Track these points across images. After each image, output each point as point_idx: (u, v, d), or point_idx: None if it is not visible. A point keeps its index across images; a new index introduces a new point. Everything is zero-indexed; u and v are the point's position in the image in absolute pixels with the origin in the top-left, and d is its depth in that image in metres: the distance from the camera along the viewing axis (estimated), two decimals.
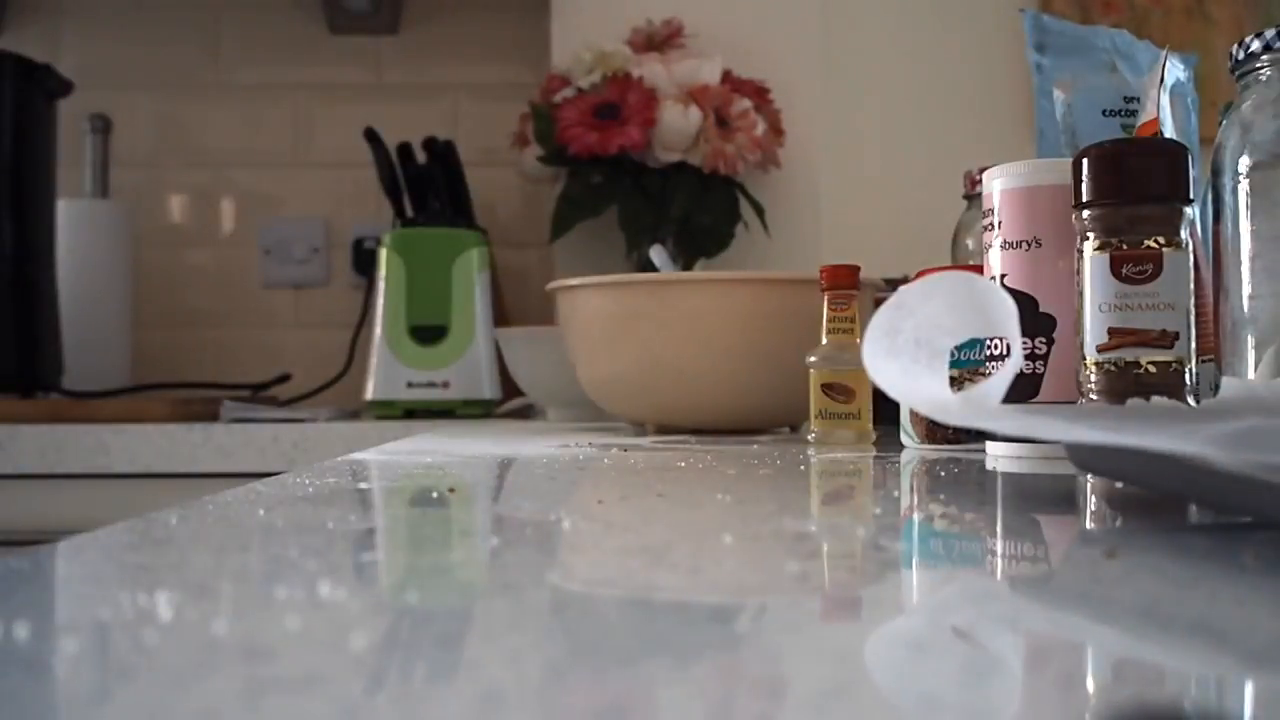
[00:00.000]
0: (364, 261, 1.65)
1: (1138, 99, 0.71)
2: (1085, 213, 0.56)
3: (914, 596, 0.27)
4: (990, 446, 0.60)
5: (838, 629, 0.24)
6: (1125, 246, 0.54)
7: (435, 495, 0.48)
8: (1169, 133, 0.66)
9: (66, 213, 1.46)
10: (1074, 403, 0.58)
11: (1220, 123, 0.62)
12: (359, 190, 1.68)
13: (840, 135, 1.63)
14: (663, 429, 0.88)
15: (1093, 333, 0.55)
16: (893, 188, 1.62)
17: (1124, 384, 0.54)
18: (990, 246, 0.64)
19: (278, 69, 1.72)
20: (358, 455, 0.68)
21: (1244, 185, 0.59)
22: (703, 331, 0.83)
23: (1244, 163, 0.59)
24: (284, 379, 1.52)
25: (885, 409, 0.80)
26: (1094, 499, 0.45)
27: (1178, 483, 0.37)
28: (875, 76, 1.73)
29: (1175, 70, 0.70)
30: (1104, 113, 0.71)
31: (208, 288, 1.70)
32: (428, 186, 1.43)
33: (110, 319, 1.53)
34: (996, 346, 0.63)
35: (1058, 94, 0.73)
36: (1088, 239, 0.55)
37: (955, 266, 0.90)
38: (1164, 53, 0.69)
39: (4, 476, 1.11)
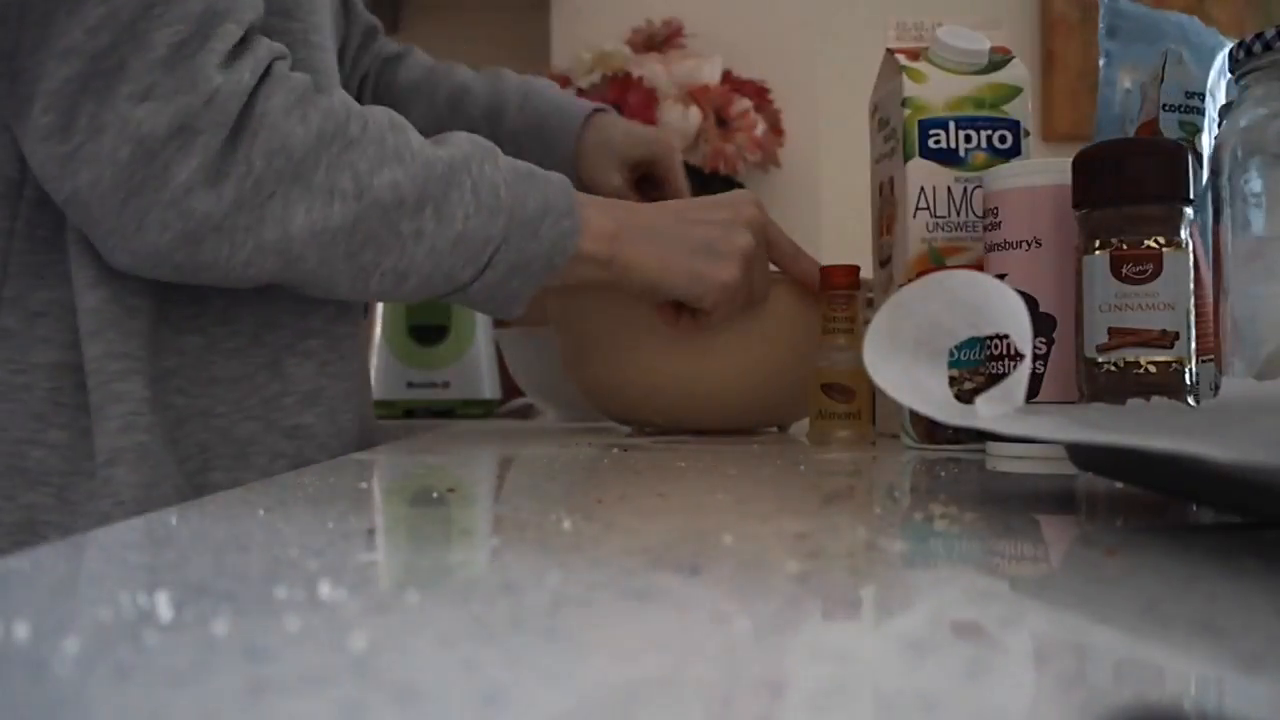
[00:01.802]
0: None
1: (1200, 95, 0.69)
2: (1085, 213, 0.56)
3: (914, 596, 0.27)
4: (990, 446, 0.60)
5: (838, 629, 0.24)
6: (1125, 246, 0.54)
7: (435, 495, 0.48)
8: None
9: None
10: (1074, 403, 0.58)
11: (1220, 123, 0.62)
12: None
13: (840, 135, 1.63)
14: (659, 430, 0.87)
15: (1093, 333, 0.55)
16: None
17: (1124, 384, 0.54)
18: (990, 246, 0.64)
19: None
20: (358, 455, 0.68)
21: (1244, 185, 0.59)
22: (742, 333, 0.83)
23: (1244, 163, 0.59)
24: None
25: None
26: (1094, 499, 0.45)
27: (1178, 483, 0.37)
28: (875, 75, 1.73)
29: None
30: (1164, 107, 0.68)
31: None
32: None
33: None
34: (996, 346, 0.63)
35: (1123, 79, 0.71)
36: (1088, 239, 0.55)
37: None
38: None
39: None
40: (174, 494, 0.66)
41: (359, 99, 0.99)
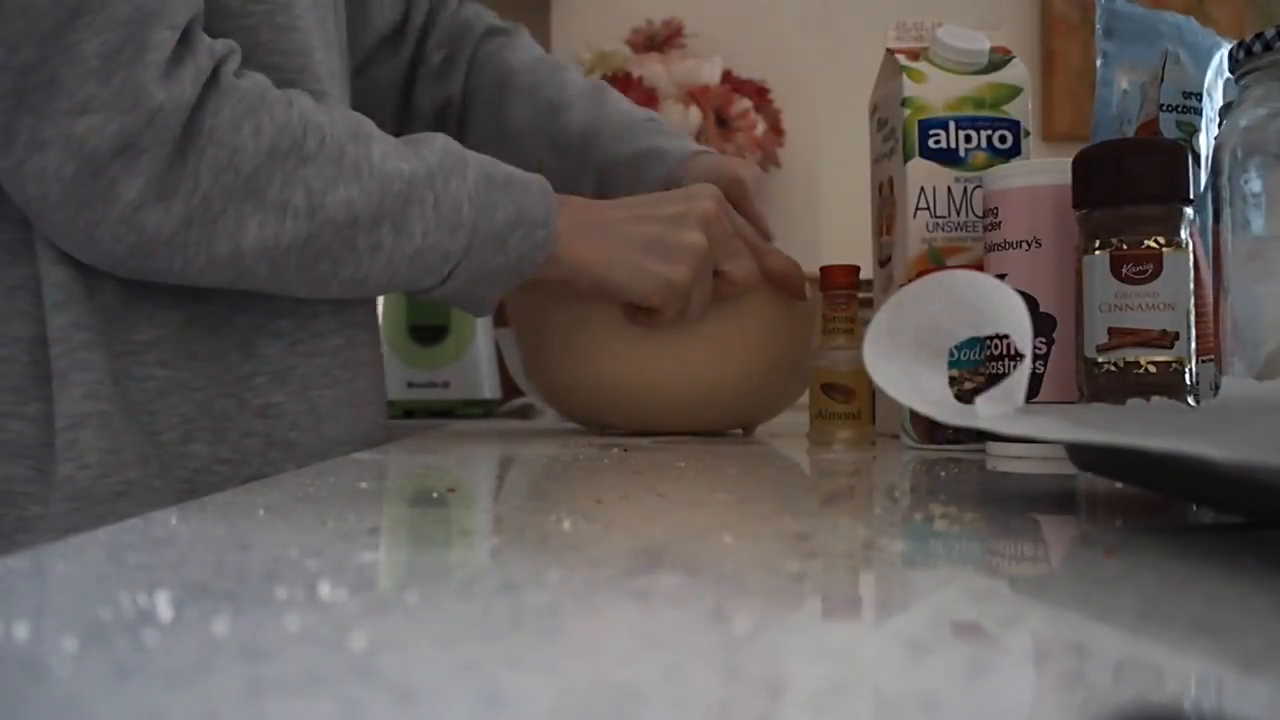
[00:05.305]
0: None
1: (1197, 95, 0.69)
2: (1085, 213, 0.56)
3: (914, 596, 0.27)
4: (990, 446, 0.60)
5: (838, 629, 0.24)
6: (1125, 246, 0.54)
7: (435, 495, 0.48)
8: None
9: None
10: (1074, 403, 0.58)
11: (1220, 123, 0.62)
12: None
13: (840, 135, 1.63)
14: (621, 431, 0.85)
15: (1093, 333, 0.55)
16: None
17: (1124, 384, 0.54)
18: (990, 246, 0.64)
19: None
20: (358, 455, 0.68)
21: (1244, 185, 0.59)
22: (702, 333, 0.81)
23: (1244, 163, 0.59)
24: None
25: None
26: (1094, 499, 0.45)
27: (1178, 483, 0.37)
28: (875, 75, 1.73)
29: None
30: (1162, 107, 0.68)
31: None
32: None
33: None
34: (996, 346, 0.63)
35: (1120, 80, 0.71)
36: (1088, 239, 0.55)
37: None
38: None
39: None
40: (138, 462, 0.66)
41: (447, 61, 0.98)
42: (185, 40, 0.62)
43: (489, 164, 0.72)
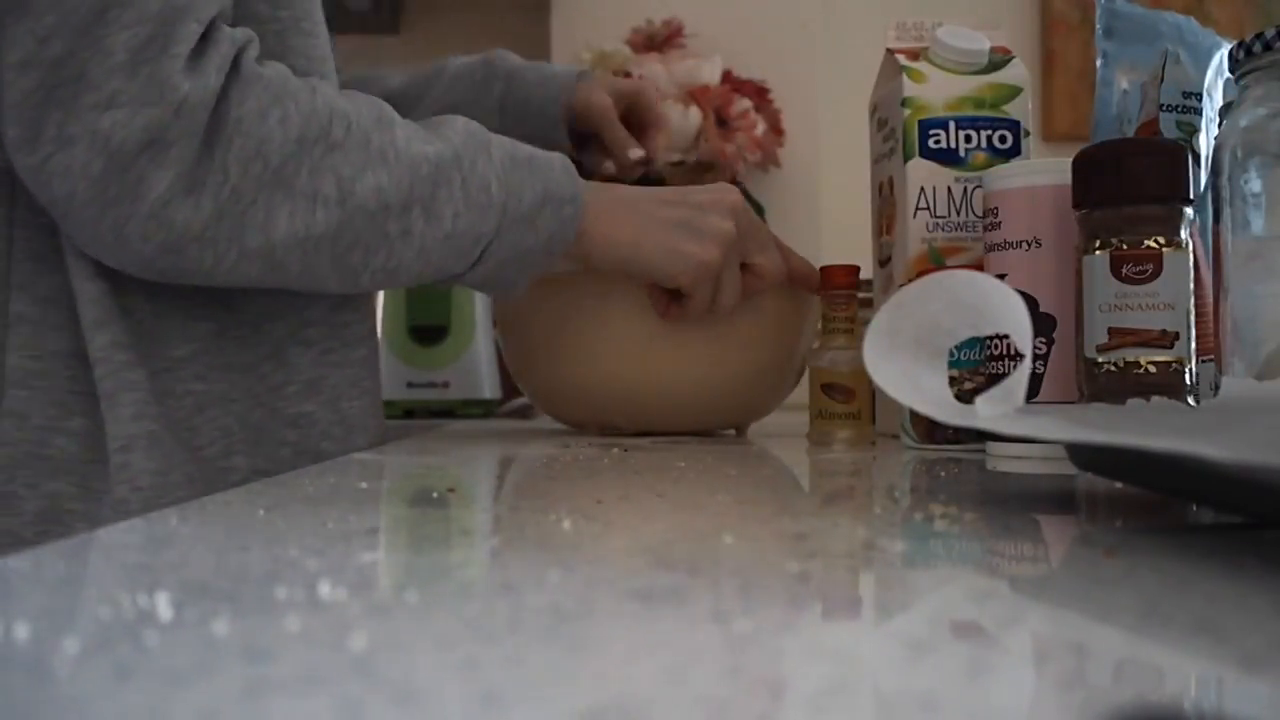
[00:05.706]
0: None
1: (1197, 95, 0.69)
2: (1085, 213, 0.56)
3: (914, 596, 0.27)
4: (990, 446, 0.60)
5: (838, 629, 0.24)
6: (1125, 246, 0.54)
7: (435, 495, 0.48)
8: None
9: None
10: (1074, 403, 0.58)
11: (1220, 123, 0.62)
12: None
13: (840, 135, 1.63)
14: (614, 431, 0.85)
15: (1093, 333, 0.55)
16: None
17: (1124, 384, 0.54)
18: (990, 246, 0.64)
19: None
20: (358, 455, 0.68)
21: (1244, 185, 0.59)
22: (703, 332, 0.81)
23: (1244, 163, 0.59)
24: None
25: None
26: (1094, 499, 0.45)
27: (1178, 483, 0.37)
28: (875, 75, 1.73)
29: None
30: (1162, 107, 0.68)
31: None
32: None
33: None
34: (996, 346, 0.63)
35: (1120, 80, 0.71)
36: (1088, 239, 0.55)
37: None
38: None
39: None
40: (186, 481, 0.66)
41: None
42: (207, 33, 0.61)
43: (510, 144, 0.71)
